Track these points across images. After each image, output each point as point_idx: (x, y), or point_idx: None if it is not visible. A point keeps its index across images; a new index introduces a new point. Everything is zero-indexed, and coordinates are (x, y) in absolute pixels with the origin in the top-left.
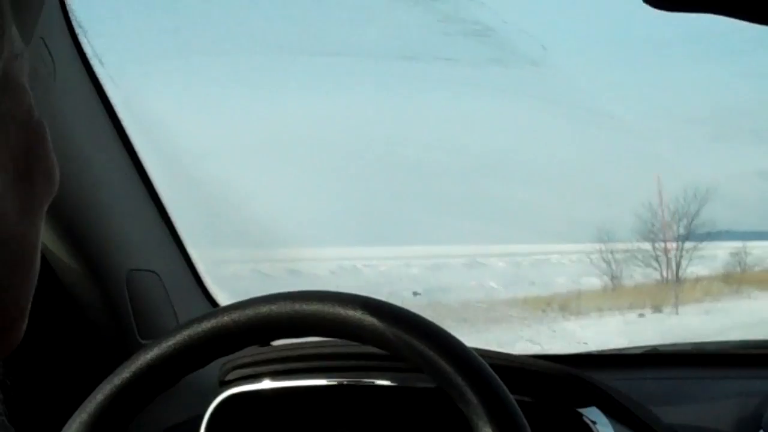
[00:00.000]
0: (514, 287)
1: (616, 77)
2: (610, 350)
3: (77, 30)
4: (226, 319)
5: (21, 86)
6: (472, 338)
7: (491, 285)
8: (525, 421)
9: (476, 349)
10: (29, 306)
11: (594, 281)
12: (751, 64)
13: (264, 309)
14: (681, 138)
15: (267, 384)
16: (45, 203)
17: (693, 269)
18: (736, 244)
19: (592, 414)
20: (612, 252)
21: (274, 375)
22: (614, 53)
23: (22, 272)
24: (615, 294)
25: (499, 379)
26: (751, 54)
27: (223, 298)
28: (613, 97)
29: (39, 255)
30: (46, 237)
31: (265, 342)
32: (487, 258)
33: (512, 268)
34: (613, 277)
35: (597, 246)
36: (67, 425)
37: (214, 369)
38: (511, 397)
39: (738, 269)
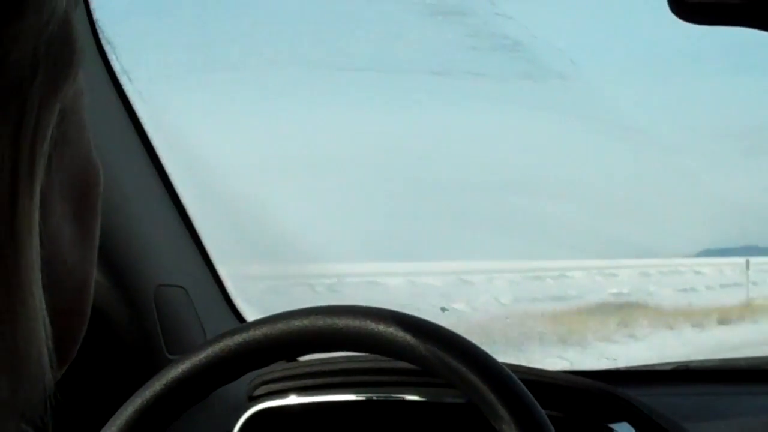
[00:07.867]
0: (543, 303)
1: (647, 91)
2: (641, 366)
3: (105, 46)
4: (257, 333)
5: (84, 120)
6: (500, 353)
7: (520, 300)
8: None
9: (507, 364)
10: (81, 336)
11: (624, 297)
12: None
13: (295, 323)
14: (713, 153)
15: (295, 399)
16: (96, 235)
17: (718, 284)
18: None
19: (624, 430)
20: (641, 267)
21: (303, 390)
22: (644, 67)
23: (78, 303)
24: (644, 310)
25: (530, 394)
26: None
27: (251, 314)
28: (643, 112)
29: (93, 286)
30: None
31: (294, 357)
32: (515, 273)
33: (540, 283)
34: (642, 293)
35: (626, 261)
36: None
37: (242, 384)
38: (543, 411)
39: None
